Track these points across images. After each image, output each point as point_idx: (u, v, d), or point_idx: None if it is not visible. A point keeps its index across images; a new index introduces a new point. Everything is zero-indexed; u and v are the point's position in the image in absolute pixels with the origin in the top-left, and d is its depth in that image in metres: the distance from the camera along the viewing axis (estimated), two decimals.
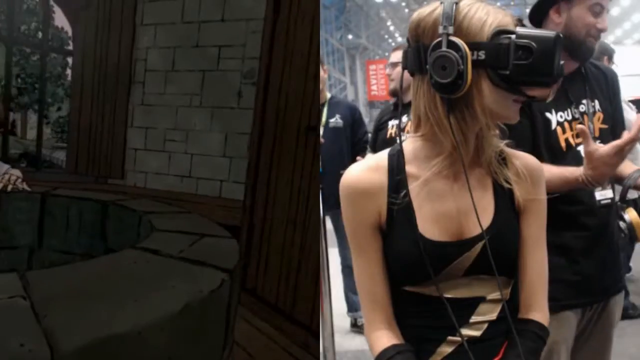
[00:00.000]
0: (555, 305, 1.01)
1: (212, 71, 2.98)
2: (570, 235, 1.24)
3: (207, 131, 3.09)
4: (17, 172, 2.11)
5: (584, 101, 1.30)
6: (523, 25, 0.77)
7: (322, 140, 2.32)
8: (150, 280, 1.01)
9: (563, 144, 1.27)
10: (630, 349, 1.43)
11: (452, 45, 0.74)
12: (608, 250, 1.28)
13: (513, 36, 0.73)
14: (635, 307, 2.89)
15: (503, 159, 0.84)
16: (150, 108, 3.29)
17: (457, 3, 0.76)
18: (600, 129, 1.32)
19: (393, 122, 2.21)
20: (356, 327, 3.01)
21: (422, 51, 0.77)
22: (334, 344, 2.19)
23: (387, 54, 26.76)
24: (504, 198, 0.83)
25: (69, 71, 17.55)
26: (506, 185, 0.82)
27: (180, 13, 3.02)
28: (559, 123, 1.27)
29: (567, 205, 1.23)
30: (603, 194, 1.26)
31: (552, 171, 1.14)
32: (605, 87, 1.36)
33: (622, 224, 1.23)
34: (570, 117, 1.27)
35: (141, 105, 3.32)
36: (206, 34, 2.95)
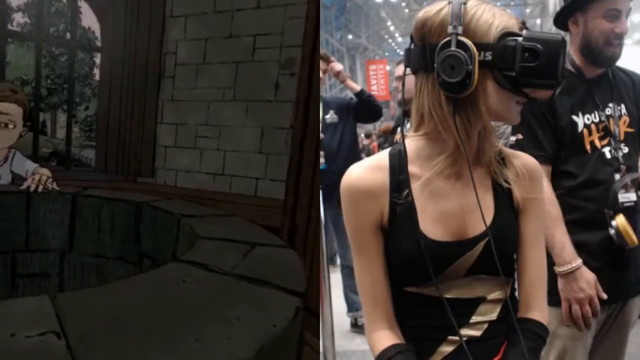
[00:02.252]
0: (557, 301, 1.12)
1: (247, 62, 2.82)
2: (591, 234, 1.27)
3: (241, 126, 2.94)
4: (46, 172, 2.01)
5: (610, 105, 1.32)
6: (527, 29, 0.77)
7: (321, 136, 2.35)
8: (207, 308, 0.82)
9: (588, 147, 1.28)
10: (630, 349, 1.41)
11: (461, 45, 0.74)
12: (629, 250, 1.28)
13: (520, 38, 0.74)
14: None
15: (502, 159, 0.84)
16: (181, 103, 3.15)
17: (464, 4, 0.76)
18: (626, 133, 1.33)
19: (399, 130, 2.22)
20: (356, 327, 2.98)
21: (428, 50, 0.77)
22: (334, 344, 2.17)
23: (387, 54, 27.27)
24: (504, 198, 0.83)
25: (96, 71, 17.86)
26: (505, 185, 0.82)
27: (212, 2, 2.86)
28: (585, 125, 1.28)
29: (590, 203, 1.26)
30: (627, 197, 1.27)
31: (562, 231, 1.19)
32: (632, 92, 1.37)
33: (610, 231, 1.23)
34: (597, 120, 1.29)
35: (171, 100, 3.19)
36: (240, 22, 2.79)
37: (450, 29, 0.75)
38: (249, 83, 2.84)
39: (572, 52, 1.34)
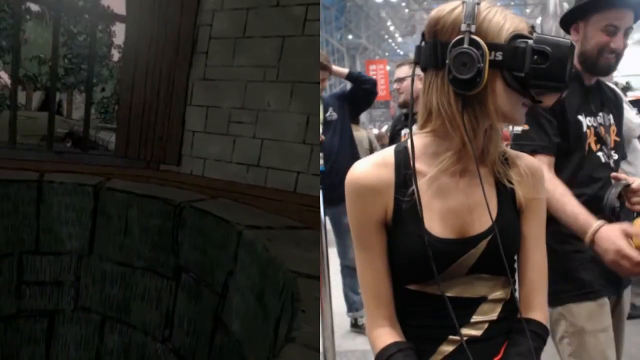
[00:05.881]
0: (594, 292, 1.24)
1: (295, 37, 2.43)
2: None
3: (284, 111, 2.55)
4: None
5: (601, 114, 1.40)
6: (536, 32, 0.79)
7: (322, 137, 2.34)
8: None
9: (586, 147, 1.35)
10: (630, 349, 1.41)
11: (473, 43, 0.77)
12: None
13: (530, 41, 0.77)
14: (635, 307, 2.92)
15: (505, 159, 0.87)
16: (214, 83, 2.77)
17: (478, 4, 0.78)
18: (615, 141, 1.42)
19: (405, 132, 2.25)
20: (356, 327, 3.00)
21: (439, 47, 0.79)
22: (334, 344, 2.18)
23: (387, 54, 27.94)
24: (506, 197, 0.85)
25: (113, 51, 17.63)
26: (508, 185, 0.85)
27: None
28: (587, 127, 1.35)
29: (587, 196, 1.29)
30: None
31: (572, 204, 1.20)
32: (614, 107, 1.46)
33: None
34: (596, 124, 1.37)
35: (203, 79, 2.81)
36: None
37: (463, 27, 0.77)
38: (296, 62, 2.45)
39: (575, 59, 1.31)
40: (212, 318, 1.55)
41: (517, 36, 0.78)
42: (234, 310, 1.35)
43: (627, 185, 1.26)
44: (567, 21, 1.40)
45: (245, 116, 2.71)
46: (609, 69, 1.36)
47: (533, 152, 1.20)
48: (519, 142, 1.29)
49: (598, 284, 1.30)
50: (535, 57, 0.76)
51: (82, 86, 15.28)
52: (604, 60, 1.34)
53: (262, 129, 2.67)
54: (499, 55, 0.76)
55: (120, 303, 2.02)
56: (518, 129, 1.33)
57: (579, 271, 1.30)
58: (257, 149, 2.73)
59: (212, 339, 1.62)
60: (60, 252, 1.64)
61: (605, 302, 1.31)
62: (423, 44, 0.81)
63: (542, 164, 1.11)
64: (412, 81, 0.84)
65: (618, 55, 1.35)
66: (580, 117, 1.34)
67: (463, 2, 0.79)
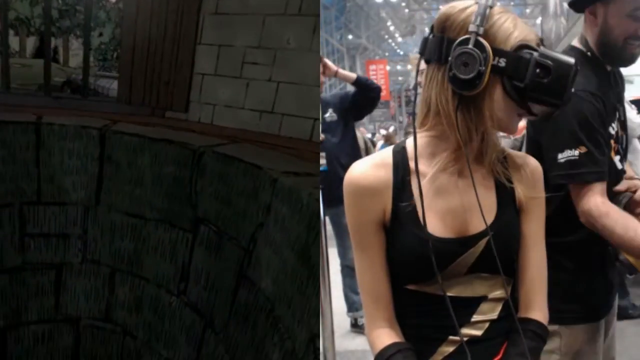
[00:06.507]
0: (597, 315, 1.21)
1: None
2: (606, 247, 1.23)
3: (305, 51, 2.31)
4: None
5: (618, 106, 1.26)
6: (544, 46, 0.80)
7: (322, 137, 2.31)
8: None
9: (607, 160, 1.23)
10: (630, 349, 1.46)
11: (478, 45, 0.77)
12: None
13: (535, 53, 0.78)
14: (635, 307, 2.91)
15: (504, 158, 0.87)
16: (228, 18, 2.50)
17: (491, 7, 0.78)
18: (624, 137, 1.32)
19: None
20: (356, 327, 3.05)
21: (445, 43, 0.79)
22: (334, 344, 2.18)
23: (387, 54, 28.32)
24: (506, 197, 0.86)
25: None
26: (508, 184, 0.85)
27: None
28: (612, 136, 1.23)
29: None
30: None
31: (636, 230, 1.10)
32: (622, 92, 1.33)
33: (619, 255, 1.20)
34: (617, 129, 1.25)
35: (214, 14, 2.53)
36: None
37: (472, 27, 0.77)
38: None
39: (591, 43, 1.25)
40: (235, 273, 1.43)
41: (523, 46, 0.78)
42: (263, 267, 1.22)
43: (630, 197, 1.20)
44: (581, 1, 1.23)
45: (261, 56, 2.46)
46: (633, 59, 1.23)
47: (597, 181, 1.10)
48: (578, 170, 1.11)
49: (602, 306, 1.26)
50: (538, 70, 0.76)
51: (78, 30, 14.67)
52: (630, 50, 1.20)
53: (279, 71, 2.43)
54: (502, 62, 0.77)
55: (132, 256, 1.90)
56: (575, 152, 1.14)
57: (587, 292, 1.22)
58: (272, 94, 2.51)
59: (234, 294, 1.50)
60: (65, 203, 1.49)
61: (603, 323, 1.27)
62: (431, 36, 0.81)
63: (603, 198, 1.10)
64: (417, 73, 0.84)
65: None
66: (610, 129, 1.23)
67: (476, 3, 0.79)
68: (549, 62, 0.76)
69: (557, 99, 0.78)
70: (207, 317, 1.81)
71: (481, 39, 0.77)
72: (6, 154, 1.34)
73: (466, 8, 0.80)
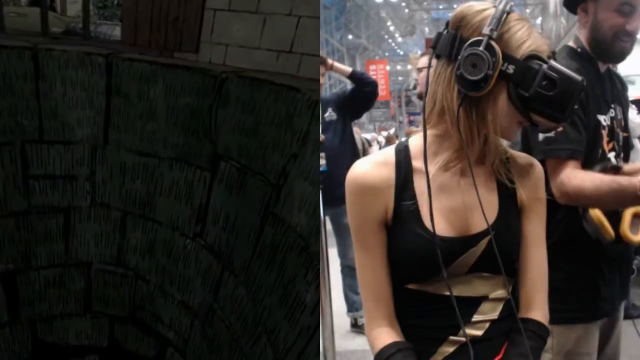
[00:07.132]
0: (590, 315, 1.24)
1: None
2: (609, 251, 1.25)
3: None
4: None
5: (613, 105, 1.30)
6: (555, 59, 0.81)
7: (322, 137, 2.35)
8: None
9: (600, 150, 1.27)
10: (630, 349, 1.39)
11: (489, 48, 0.78)
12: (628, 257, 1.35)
13: (545, 65, 0.79)
14: (635, 307, 2.91)
15: (507, 159, 0.88)
16: None
17: (508, 13, 0.80)
18: (623, 137, 1.34)
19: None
20: (356, 327, 3.08)
21: (457, 41, 0.81)
22: (334, 344, 2.19)
23: (387, 54, 28.04)
24: (508, 197, 0.87)
25: None
26: (510, 185, 0.86)
27: None
28: (603, 127, 1.27)
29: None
30: None
31: (602, 180, 1.13)
32: (622, 96, 1.36)
33: (585, 225, 1.21)
34: (610, 121, 1.28)
35: None
36: None
37: (485, 30, 0.78)
38: None
39: (584, 41, 1.30)
40: (259, 212, 1.30)
41: (534, 56, 0.79)
42: (296, 201, 1.09)
43: None
44: (574, 0, 1.29)
45: None
46: (624, 55, 1.27)
47: (570, 158, 1.15)
48: (552, 146, 1.17)
49: (595, 307, 1.28)
50: (544, 82, 0.77)
51: None
52: (619, 45, 1.24)
53: (301, 5, 2.21)
54: (511, 69, 0.78)
55: (144, 198, 1.78)
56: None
57: (582, 293, 1.26)
58: (291, 31, 2.29)
59: (259, 234, 1.37)
60: (70, 142, 1.34)
61: (597, 325, 1.30)
62: (445, 32, 0.82)
63: (574, 169, 1.13)
64: (429, 68, 0.82)
65: (634, 38, 1.24)
66: (599, 117, 1.27)
67: (494, 6, 0.80)
68: (556, 75, 0.78)
69: (559, 113, 0.79)
70: (225, 259, 1.71)
71: (493, 43, 0.78)
72: (1, 84, 1.18)
73: (484, 10, 0.81)
